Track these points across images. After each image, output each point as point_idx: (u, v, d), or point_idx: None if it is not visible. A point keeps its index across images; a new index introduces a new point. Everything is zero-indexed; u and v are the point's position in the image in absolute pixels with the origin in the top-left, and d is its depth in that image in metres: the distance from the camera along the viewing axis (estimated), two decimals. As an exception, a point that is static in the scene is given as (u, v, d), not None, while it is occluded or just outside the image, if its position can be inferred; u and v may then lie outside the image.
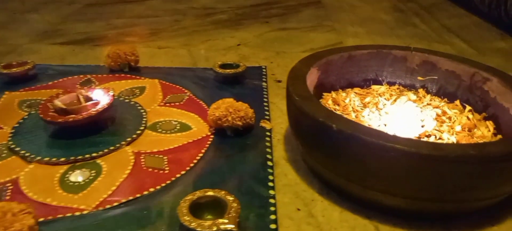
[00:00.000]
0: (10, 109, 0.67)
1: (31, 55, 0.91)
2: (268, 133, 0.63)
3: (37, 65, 0.81)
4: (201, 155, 0.57)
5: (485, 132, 0.57)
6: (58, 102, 0.59)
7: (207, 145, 0.59)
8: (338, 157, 0.47)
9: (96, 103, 0.61)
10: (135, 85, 0.76)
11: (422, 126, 0.58)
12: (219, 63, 0.80)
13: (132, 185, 0.51)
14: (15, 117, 0.64)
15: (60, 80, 0.78)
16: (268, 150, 0.59)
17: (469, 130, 0.58)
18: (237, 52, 0.97)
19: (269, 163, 0.56)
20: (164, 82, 0.78)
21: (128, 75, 0.80)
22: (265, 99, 0.73)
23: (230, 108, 0.60)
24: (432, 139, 0.55)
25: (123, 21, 1.18)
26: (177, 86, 0.76)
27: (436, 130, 0.58)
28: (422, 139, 0.55)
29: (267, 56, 0.95)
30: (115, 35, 1.06)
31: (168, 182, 0.52)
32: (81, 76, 0.79)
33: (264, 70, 0.85)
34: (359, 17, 1.28)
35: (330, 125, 0.46)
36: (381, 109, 0.63)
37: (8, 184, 0.51)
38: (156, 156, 0.56)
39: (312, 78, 0.63)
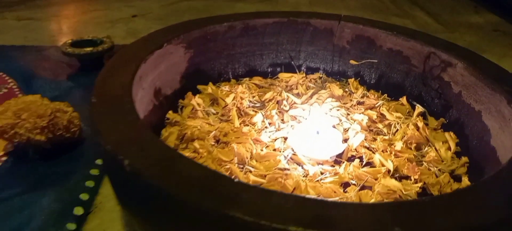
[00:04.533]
0: None
1: None
2: (105, 151, 0.39)
3: None
4: (-41, 196, 0.32)
5: (442, 151, 0.35)
6: None
7: (-18, 177, 0.35)
8: (145, 220, 0.24)
9: None
10: None
11: (345, 140, 0.35)
12: (74, 39, 0.55)
13: None
14: None
15: None
16: (90, 183, 0.35)
17: (417, 148, 0.35)
18: (127, 26, 0.72)
19: (78, 210, 0.32)
20: (-16, 67, 0.52)
21: None
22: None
23: (23, 114, 0.35)
24: (355, 165, 0.32)
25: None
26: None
27: (365, 147, 0.35)
28: (333, 166, 0.32)
29: (167, 31, 0.70)
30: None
31: None
32: None
33: (150, 50, 0.60)
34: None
35: (119, 158, 0.22)
36: (285, 112, 0.39)
37: None
38: None
39: (173, 61, 0.39)
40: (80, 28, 0.69)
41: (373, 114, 0.39)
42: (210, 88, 0.40)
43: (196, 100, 0.38)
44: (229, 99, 0.39)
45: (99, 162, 0.38)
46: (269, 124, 0.37)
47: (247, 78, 0.45)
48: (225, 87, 0.41)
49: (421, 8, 0.92)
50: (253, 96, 0.41)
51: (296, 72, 0.46)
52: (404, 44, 0.42)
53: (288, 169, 0.31)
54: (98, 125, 0.25)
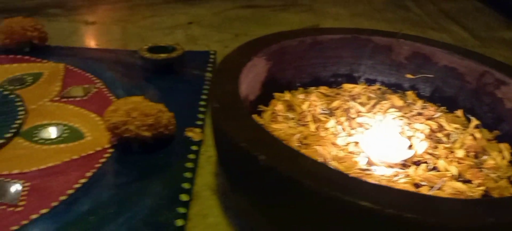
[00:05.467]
0: None
1: None
2: (194, 148, 0.45)
3: None
4: (83, 181, 0.38)
5: (498, 160, 0.39)
6: None
7: (98, 166, 0.41)
8: (269, 206, 0.29)
9: None
10: (29, 71, 0.56)
11: (410, 147, 0.40)
12: (149, 45, 0.61)
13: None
14: None
15: None
16: (188, 174, 0.41)
17: (476, 156, 0.40)
18: (185, 33, 0.78)
19: (183, 197, 0.38)
20: (72, 68, 0.58)
21: (27, 58, 0.61)
22: (204, 97, 0.55)
23: (133, 112, 0.41)
24: (422, 169, 0.37)
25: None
26: (87, 75, 0.57)
27: (429, 153, 0.40)
28: (403, 171, 0.37)
29: (222, 38, 0.76)
30: (36, 6, 0.86)
31: (14, 228, 0.33)
32: (-39, 56, 0.59)
33: (212, 56, 0.66)
34: (342, -4, 1.09)
35: (254, 155, 0.27)
36: (353, 119, 0.45)
37: None
38: (11, 181, 0.38)
39: (257, 71, 0.45)
40: (144, 33, 0.75)
41: (433, 124, 0.43)
42: (287, 95, 0.46)
43: (278, 106, 0.43)
44: (304, 106, 0.44)
45: (191, 156, 0.43)
46: (343, 129, 0.42)
47: (314, 87, 0.50)
48: (300, 95, 0.46)
49: (456, 22, 0.96)
50: (322, 104, 0.46)
51: (357, 83, 0.51)
52: (459, 62, 0.47)
53: (369, 169, 0.36)
54: (224, 127, 0.30)
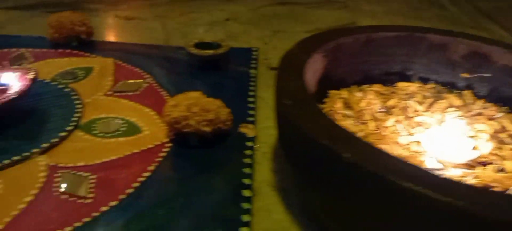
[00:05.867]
0: None
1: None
2: (249, 144, 0.45)
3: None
4: (147, 175, 0.39)
5: None
6: None
7: (159, 159, 0.41)
8: (350, 205, 0.29)
9: (4, 90, 0.43)
10: (79, 66, 0.57)
11: (474, 148, 0.40)
12: (195, 41, 0.61)
13: (30, 222, 0.33)
14: None
15: (-16, 53, 0.59)
16: (247, 170, 0.41)
17: (544, 158, 0.39)
18: (224, 29, 0.78)
19: (246, 192, 0.38)
20: (120, 63, 0.59)
21: (75, 52, 0.62)
22: (251, 93, 0.55)
23: (193, 108, 0.41)
24: (490, 170, 0.36)
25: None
26: (136, 70, 0.57)
27: (493, 154, 0.39)
28: (473, 171, 0.36)
29: (261, 35, 0.76)
30: (76, 0, 0.87)
31: (86, 219, 0.34)
32: (14, 50, 0.61)
33: (254, 53, 0.66)
34: (377, -6, 1.08)
35: (337, 153, 0.27)
36: (411, 118, 0.44)
37: None
38: (79, 173, 0.38)
39: (315, 68, 0.44)
40: (184, 29, 0.76)
41: (495, 124, 0.43)
42: (344, 93, 0.45)
43: (337, 104, 0.43)
44: (362, 104, 0.44)
45: (248, 152, 0.43)
46: (403, 128, 0.42)
47: (367, 85, 0.50)
48: (358, 93, 0.46)
49: (494, 22, 0.94)
50: (379, 103, 0.46)
51: (411, 82, 0.50)
52: (520, 62, 0.46)
53: (438, 169, 0.36)
54: (301, 123, 0.30)
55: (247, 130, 0.47)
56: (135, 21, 0.78)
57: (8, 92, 0.42)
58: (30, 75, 0.44)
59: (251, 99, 0.53)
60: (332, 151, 0.27)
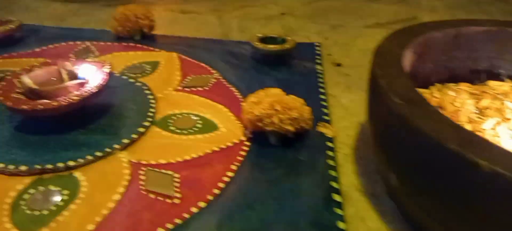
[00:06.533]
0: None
1: (26, 14, 0.73)
2: (329, 144, 0.43)
3: (26, 26, 0.63)
4: (231, 174, 0.37)
5: None
6: (26, 80, 0.40)
7: (240, 158, 0.39)
8: (479, 213, 0.26)
9: (83, 84, 0.42)
10: (146, 60, 0.56)
11: None
12: (259, 35, 0.59)
13: (122, 222, 0.32)
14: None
15: (51, 46, 0.60)
16: (332, 172, 0.39)
17: None
18: (280, 23, 0.75)
19: (336, 197, 0.36)
20: (184, 57, 0.58)
21: (139, 45, 0.61)
22: (322, 90, 0.52)
23: (277, 105, 0.39)
24: None
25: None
26: (202, 64, 0.56)
27: None
28: None
29: (319, 30, 0.73)
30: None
31: (178, 221, 0.32)
32: (78, 42, 0.61)
33: (317, 48, 0.64)
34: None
35: (472, 160, 0.24)
36: (509, 120, 0.40)
37: None
38: (164, 171, 0.37)
39: (405, 64, 0.41)
40: (241, 24, 0.74)
41: None
42: (436, 93, 0.42)
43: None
44: (456, 104, 0.41)
45: (330, 153, 0.41)
46: (506, 131, 0.38)
47: (453, 84, 0.46)
48: (450, 92, 0.43)
49: None
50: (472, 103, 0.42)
51: (501, 80, 0.46)
52: None
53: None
54: (420, 125, 0.28)
55: (325, 129, 0.44)
56: (191, 15, 0.77)
57: (87, 86, 0.42)
58: (106, 69, 0.44)
59: (322, 97, 0.51)
60: (464, 158, 0.25)
